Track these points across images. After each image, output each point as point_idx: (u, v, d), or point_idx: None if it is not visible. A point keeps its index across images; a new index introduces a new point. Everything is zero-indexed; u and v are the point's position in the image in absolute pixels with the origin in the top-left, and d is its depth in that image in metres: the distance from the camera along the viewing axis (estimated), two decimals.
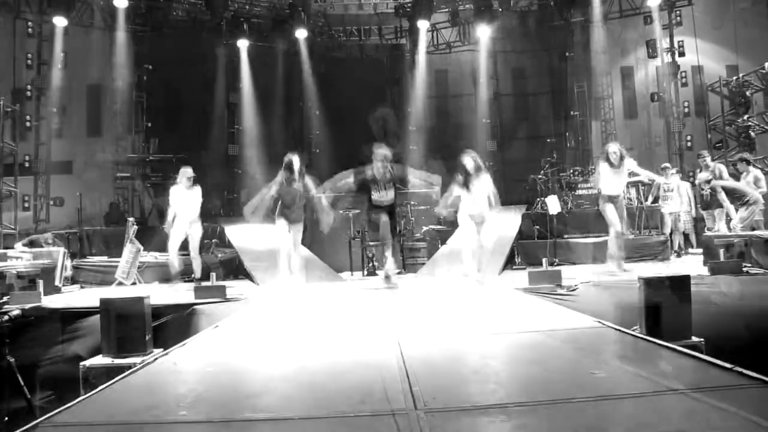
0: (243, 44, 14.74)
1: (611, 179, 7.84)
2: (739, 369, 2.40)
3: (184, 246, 8.60)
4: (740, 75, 13.73)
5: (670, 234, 10.61)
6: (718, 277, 6.64)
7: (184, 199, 8.39)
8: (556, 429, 1.90)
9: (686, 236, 11.24)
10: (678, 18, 14.18)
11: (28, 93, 13.32)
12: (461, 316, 4.67)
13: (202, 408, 2.35)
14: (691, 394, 2.17)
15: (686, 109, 15.32)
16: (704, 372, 2.49)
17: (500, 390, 2.36)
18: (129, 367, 3.61)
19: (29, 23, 13.03)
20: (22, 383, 4.48)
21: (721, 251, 7.44)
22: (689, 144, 14.79)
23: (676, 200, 10.54)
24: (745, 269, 7.05)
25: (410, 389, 2.37)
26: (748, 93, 13.38)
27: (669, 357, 2.82)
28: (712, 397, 2.15)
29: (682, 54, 14.54)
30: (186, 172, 8.48)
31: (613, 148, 7.85)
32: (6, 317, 4.39)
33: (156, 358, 3.37)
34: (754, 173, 9.40)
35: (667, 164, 11.06)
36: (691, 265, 8.48)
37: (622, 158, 7.76)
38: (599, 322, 3.81)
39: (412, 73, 15.39)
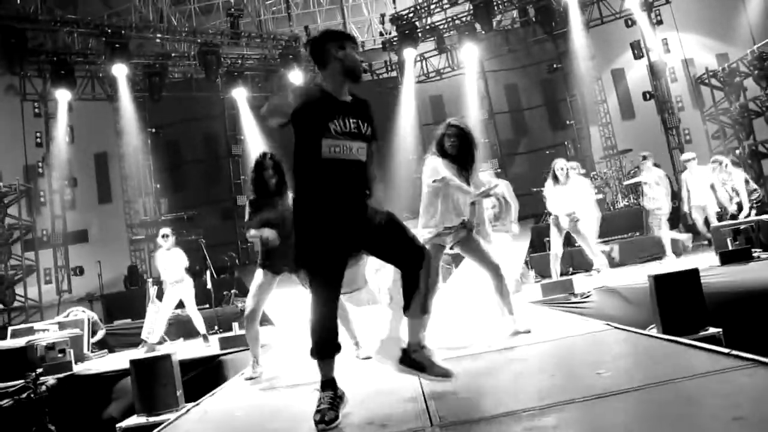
0: (240, 97, 15.19)
1: (556, 197, 7.67)
2: (736, 353, 2.53)
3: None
4: (726, 64, 13.93)
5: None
6: (729, 267, 6.69)
7: (166, 261, 8.40)
8: (562, 427, 2.03)
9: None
10: (658, 17, 14.44)
11: (40, 169, 13.82)
12: (475, 333, 4.78)
13: None
14: (689, 381, 2.31)
15: (680, 104, 15.49)
16: (704, 360, 2.61)
17: (510, 399, 2.50)
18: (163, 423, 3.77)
19: (35, 104, 13.59)
20: None
21: (729, 240, 7.51)
22: (688, 137, 14.92)
23: (659, 197, 8.84)
24: (755, 255, 7.10)
25: (426, 408, 2.53)
26: (737, 80, 13.54)
27: (671, 349, 2.95)
28: (710, 381, 2.29)
29: (668, 51, 14.77)
30: (161, 232, 8.61)
31: (560, 164, 7.65)
32: (43, 387, 4.58)
33: (188, 410, 3.53)
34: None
35: (645, 153, 9.25)
36: (702, 257, 8.53)
37: (568, 176, 7.59)
38: (608, 324, 3.94)
39: (406, 102, 15.73)
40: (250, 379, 4.37)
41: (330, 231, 2.70)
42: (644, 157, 8.69)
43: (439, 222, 4.28)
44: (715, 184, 9.06)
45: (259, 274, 4.48)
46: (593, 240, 7.94)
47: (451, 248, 4.42)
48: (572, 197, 7.66)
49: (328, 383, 2.71)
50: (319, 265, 2.72)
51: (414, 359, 2.78)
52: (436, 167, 4.27)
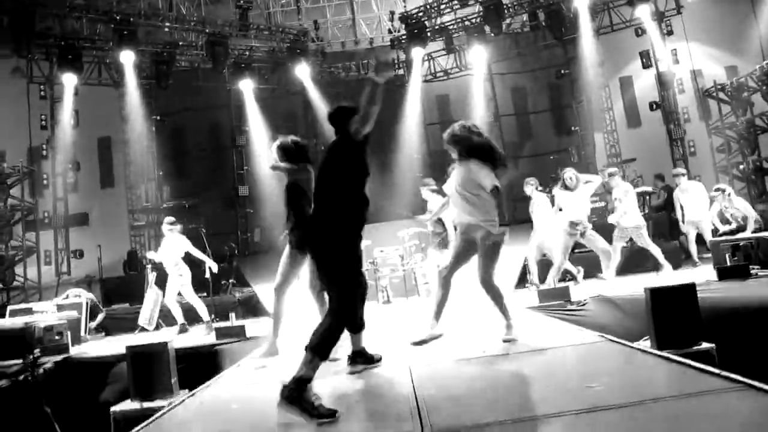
0: (246, 88, 15.18)
1: (569, 204, 7.84)
2: (726, 374, 2.55)
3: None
4: (734, 78, 13.90)
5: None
6: (727, 282, 6.71)
7: (166, 247, 8.52)
8: None
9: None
10: (669, 27, 14.38)
11: (44, 152, 13.85)
12: (472, 339, 4.81)
13: None
14: (678, 400, 2.34)
15: (686, 115, 15.45)
16: (694, 379, 2.64)
17: (501, 408, 2.53)
18: (158, 410, 3.80)
19: (41, 87, 13.61)
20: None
21: (727, 256, 7.52)
22: (693, 149, 14.90)
23: (630, 210, 8.29)
24: (753, 272, 7.11)
25: (419, 413, 2.56)
26: (745, 95, 13.51)
27: (663, 366, 2.98)
28: (699, 402, 2.32)
29: (677, 62, 14.72)
30: (166, 220, 8.73)
31: (570, 173, 7.88)
32: (41, 370, 4.62)
33: (183, 400, 3.56)
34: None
35: (611, 170, 8.90)
36: (701, 271, 8.52)
37: (578, 183, 7.78)
38: (602, 336, 3.97)
39: (412, 101, 15.73)
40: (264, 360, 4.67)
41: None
42: (611, 174, 8.75)
43: (457, 220, 4.84)
44: (713, 210, 9.12)
45: (287, 250, 4.69)
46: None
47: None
48: (583, 204, 7.81)
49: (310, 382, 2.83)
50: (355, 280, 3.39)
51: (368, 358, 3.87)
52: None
